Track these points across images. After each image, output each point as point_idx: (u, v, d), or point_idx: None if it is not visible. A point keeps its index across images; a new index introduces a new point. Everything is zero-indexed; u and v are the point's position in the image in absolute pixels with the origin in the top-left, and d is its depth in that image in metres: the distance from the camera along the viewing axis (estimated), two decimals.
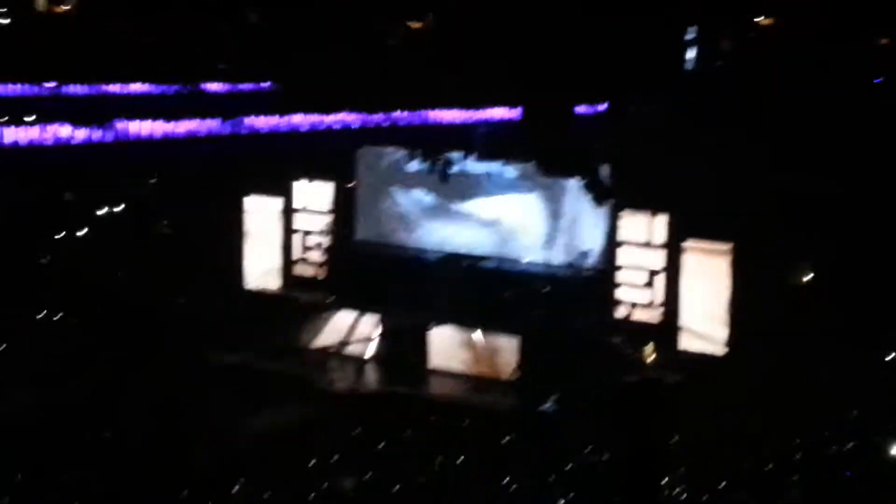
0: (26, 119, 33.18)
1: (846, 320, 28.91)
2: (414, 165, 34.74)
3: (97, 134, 33.10)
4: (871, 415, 26.33)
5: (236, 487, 22.39)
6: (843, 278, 29.80)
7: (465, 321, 32.18)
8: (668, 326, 32.56)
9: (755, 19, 39.93)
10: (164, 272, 34.48)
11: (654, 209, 33.13)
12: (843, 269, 29.95)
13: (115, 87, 39.76)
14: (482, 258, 34.98)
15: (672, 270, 32.76)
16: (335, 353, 32.47)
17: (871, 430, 25.38)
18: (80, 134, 32.77)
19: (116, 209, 36.33)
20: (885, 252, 29.46)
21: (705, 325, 31.96)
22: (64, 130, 32.46)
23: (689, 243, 32.55)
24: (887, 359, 29.17)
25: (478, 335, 31.95)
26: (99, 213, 36.40)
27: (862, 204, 30.57)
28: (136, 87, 40.44)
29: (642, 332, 32.40)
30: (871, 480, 23.19)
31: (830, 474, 23.40)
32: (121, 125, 33.65)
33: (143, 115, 34.57)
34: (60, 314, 32.83)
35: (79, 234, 35.76)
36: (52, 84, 38.24)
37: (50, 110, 34.92)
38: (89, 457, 23.61)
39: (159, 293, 33.84)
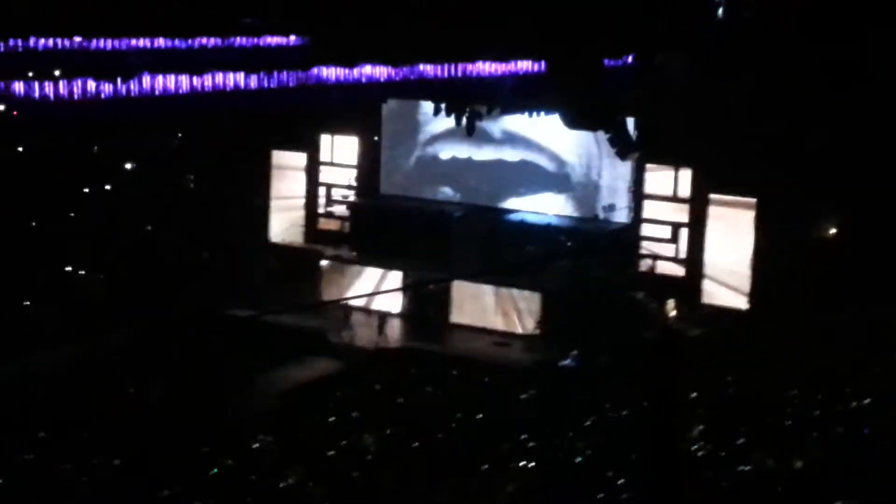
0: (54, 73, 33.43)
1: (868, 276, 28.75)
2: (440, 119, 34.62)
3: (123, 88, 33.32)
4: (892, 370, 26.24)
5: (257, 444, 22.62)
6: (865, 233, 29.61)
7: (489, 276, 32.18)
8: (692, 280, 32.50)
9: None
10: (190, 227, 34.71)
11: (679, 163, 32.94)
12: (865, 225, 29.77)
13: (141, 42, 39.89)
14: (507, 211, 34.95)
15: (696, 224, 32.65)
16: (358, 309, 32.58)
17: (892, 386, 25.31)
18: (107, 88, 32.99)
19: (142, 163, 36.53)
20: None
21: (729, 280, 31.88)
22: (90, 85, 32.69)
23: (713, 197, 32.39)
24: None
25: (500, 290, 31.97)
26: (125, 167, 36.63)
27: (886, 160, 30.31)
28: (162, 42, 40.57)
29: (666, 286, 32.36)
30: (890, 437, 23.15)
31: (849, 431, 23.38)
32: (147, 79, 33.84)
33: (169, 70, 34.71)
34: (87, 269, 33.10)
35: (105, 188, 36.00)
36: (78, 38, 38.42)
37: (77, 64, 35.14)
38: (115, 411, 23.95)
39: (184, 248, 34.08)
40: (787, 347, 27.56)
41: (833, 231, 31.25)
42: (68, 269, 32.92)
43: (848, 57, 31.87)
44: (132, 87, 33.25)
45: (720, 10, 36.97)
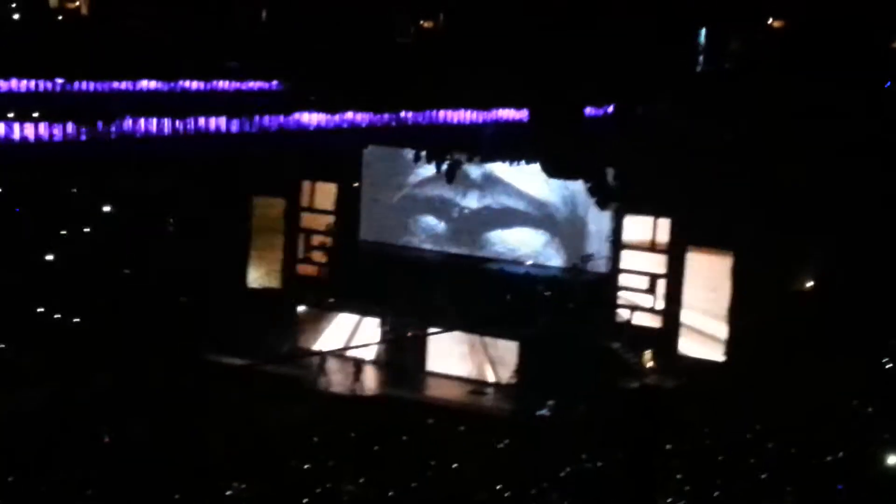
0: (34, 115, 33.40)
1: (844, 328, 28.87)
2: (421, 165, 34.75)
3: (104, 131, 33.30)
4: (868, 423, 26.33)
5: (230, 491, 22.51)
6: (841, 286, 29.76)
7: (466, 325, 32.19)
8: (669, 331, 32.57)
9: (766, 21, 39.89)
10: (168, 271, 34.61)
11: (658, 213, 33.10)
12: (842, 278, 29.93)
13: (123, 85, 39.94)
14: (485, 260, 35.01)
15: (674, 275, 32.75)
16: (335, 355, 32.52)
17: (867, 439, 25.40)
18: (89, 131, 32.97)
19: (121, 206, 36.46)
20: (885, 261, 29.40)
21: (705, 331, 31.96)
22: (71, 127, 32.65)
23: (691, 249, 32.52)
24: (885, 367, 29.10)
25: (477, 339, 31.98)
26: (104, 209, 36.56)
27: (864, 211, 30.51)
28: (145, 85, 40.61)
29: (643, 336, 32.43)
30: (865, 491, 23.20)
31: (824, 485, 23.42)
32: (128, 122, 33.83)
33: (150, 113, 34.73)
34: (63, 313, 32.97)
35: (84, 230, 35.91)
36: (60, 80, 38.45)
37: (58, 107, 35.14)
38: (92, 456, 23.81)
39: (163, 292, 33.96)
40: (763, 399, 27.62)
41: (809, 284, 31.41)
42: (45, 311, 32.79)
43: (828, 103, 32.23)
44: (113, 129, 33.25)
45: (701, 60, 37.39)
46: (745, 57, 38.58)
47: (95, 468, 23.01)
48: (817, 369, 28.20)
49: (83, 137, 32.81)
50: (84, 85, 39.01)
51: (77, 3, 46.14)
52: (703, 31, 38.06)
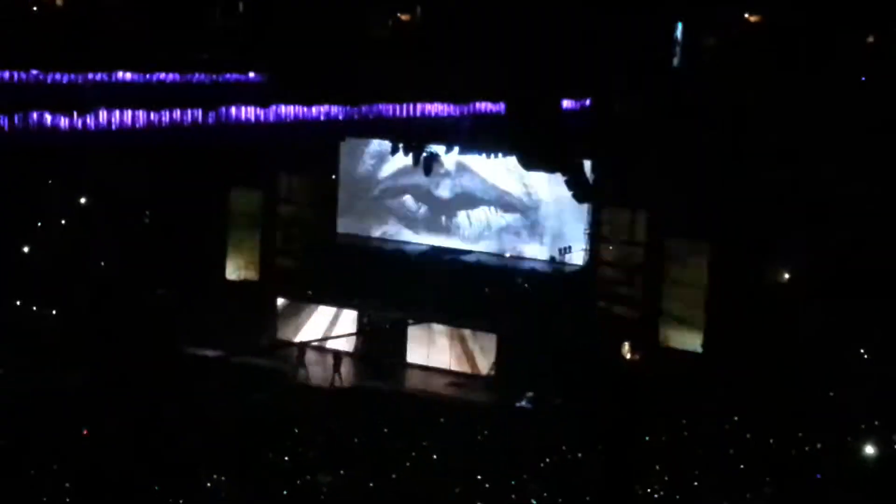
0: (7, 106, 33.14)
1: (821, 319, 29.06)
2: (398, 157, 34.71)
3: (80, 122, 33.07)
4: (845, 413, 26.51)
5: (209, 483, 22.44)
6: (819, 277, 29.95)
7: (445, 317, 32.23)
8: (647, 323, 32.68)
9: (743, 16, 40.05)
10: (146, 263, 34.46)
11: (636, 206, 33.20)
12: (819, 269, 30.11)
13: (98, 76, 39.69)
14: (464, 253, 35.03)
15: (652, 267, 32.86)
16: (314, 348, 32.48)
17: (844, 429, 25.58)
18: (63, 122, 32.74)
19: (98, 198, 36.30)
20: (863, 251, 29.60)
21: (683, 323, 32.10)
22: (47, 118, 32.42)
23: (669, 240, 32.64)
24: (862, 357, 29.32)
25: (456, 331, 32.00)
26: (81, 201, 36.40)
27: (841, 203, 30.70)
28: (120, 76, 40.37)
29: (621, 328, 32.53)
30: (843, 481, 23.37)
31: (802, 475, 23.58)
32: (103, 114, 33.61)
33: (126, 104, 34.52)
34: (40, 305, 32.77)
35: (61, 222, 35.74)
36: (35, 71, 38.17)
37: (33, 98, 34.89)
38: (70, 449, 23.69)
39: (140, 284, 33.83)
40: (741, 390, 27.77)
41: (787, 275, 31.58)
42: (21, 304, 32.58)
43: (808, 99, 32.42)
44: (88, 121, 33.03)
45: (677, 55, 37.51)
46: (721, 52, 38.75)
47: (73, 461, 22.91)
48: (795, 360, 28.40)
49: (58, 128, 32.63)
50: (59, 76, 38.77)
51: None
52: (680, 26, 38.17)
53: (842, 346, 28.91)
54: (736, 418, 26.39)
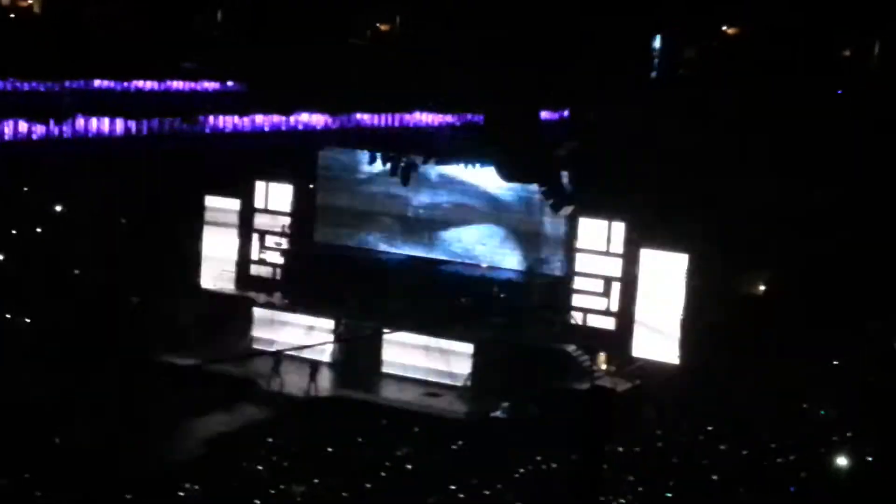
0: None
1: (797, 330, 29.19)
2: (376, 167, 34.64)
3: (56, 130, 32.98)
4: (818, 426, 26.64)
5: (182, 492, 22.36)
6: (794, 290, 30.09)
7: (421, 326, 32.15)
8: (623, 333, 32.68)
9: (721, 28, 40.31)
10: (120, 271, 34.32)
11: (612, 216, 33.23)
12: (795, 280, 30.26)
13: (76, 84, 39.59)
14: (440, 262, 35.00)
15: (628, 278, 32.87)
16: (289, 356, 32.37)
17: (817, 441, 25.69)
18: (39, 129, 32.65)
19: (73, 206, 36.17)
20: (836, 265, 29.76)
21: (659, 333, 32.11)
22: (22, 126, 32.30)
23: (645, 251, 32.67)
24: (835, 369, 29.44)
25: (432, 341, 31.95)
26: (56, 209, 36.26)
27: (818, 214, 30.87)
28: (98, 84, 40.28)
29: (597, 339, 32.54)
30: (816, 492, 23.48)
31: (775, 486, 23.67)
32: (80, 121, 33.53)
33: (103, 112, 34.45)
34: (14, 312, 32.59)
35: (36, 230, 35.58)
36: (11, 79, 38.06)
37: (9, 105, 34.79)
38: (42, 457, 23.56)
39: (114, 292, 33.67)
40: (715, 401, 27.86)
41: (762, 287, 31.71)
42: None
43: (786, 111, 32.62)
44: (65, 129, 32.94)
45: (655, 66, 37.69)
46: (699, 63, 38.96)
47: (45, 469, 22.79)
48: (769, 372, 28.49)
49: (35, 136, 32.53)
50: (36, 84, 38.66)
51: (30, 2, 45.68)
52: (658, 38, 38.37)
53: (815, 358, 29.02)
54: (710, 429, 26.48)
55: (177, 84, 42.95)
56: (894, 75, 36.32)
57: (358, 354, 32.95)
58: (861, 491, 23.51)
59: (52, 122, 32.92)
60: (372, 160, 34.26)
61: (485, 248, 34.92)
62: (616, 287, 32.98)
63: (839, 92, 37.32)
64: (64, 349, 29.67)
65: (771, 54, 35.34)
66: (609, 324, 32.96)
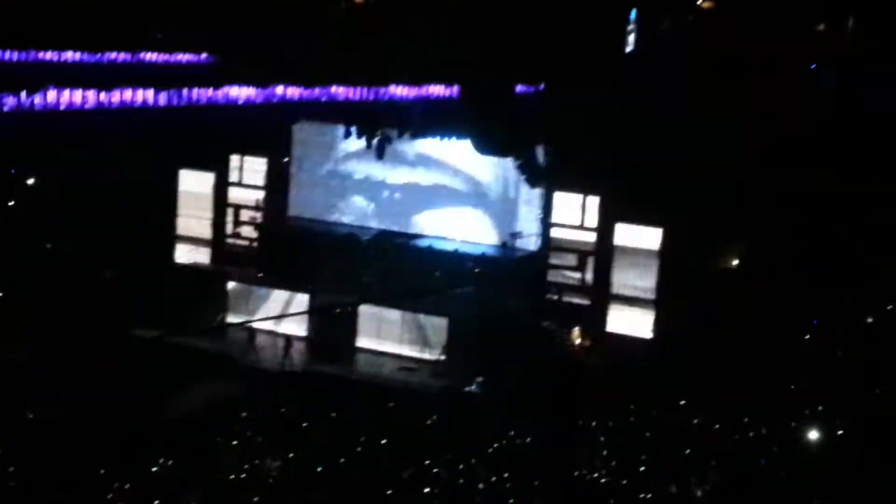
0: None
1: (769, 306, 29.32)
2: (351, 141, 34.56)
3: (28, 102, 32.63)
4: (790, 400, 26.80)
5: (156, 468, 22.32)
6: (768, 264, 30.19)
7: (396, 301, 32.19)
8: (598, 308, 32.82)
9: (696, 2, 40.22)
10: (94, 245, 34.11)
11: (587, 191, 33.30)
12: (768, 256, 30.35)
13: (48, 55, 39.16)
14: (415, 237, 35.00)
15: (603, 252, 33.00)
16: (263, 331, 32.38)
17: (789, 415, 25.86)
18: (10, 101, 32.30)
19: (45, 180, 35.89)
20: (810, 241, 29.86)
21: (634, 308, 32.28)
22: None
23: (620, 225, 32.77)
24: (808, 345, 29.60)
25: (407, 315, 31.99)
26: (28, 183, 35.98)
27: (790, 191, 30.94)
28: (70, 56, 39.84)
29: (572, 314, 32.65)
30: (787, 466, 23.64)
31: (747, 460, 23.81)
32: (52, 93, 33.18)
33: (75, 84, 34.08)
34: None
35: (7, 203, 35.31)
36: None
37: None
38: (14, 432, 23.47)
39: (87, 266, 33.50)
40: (689, 376, 27.98)
41: (737, 262, 31.82)
42: None
43: (761, 86, 32.60)
44: (36, 100, 32.60)
45: (630, 42, 37.62)
46: (674, 38, 38.89)
47: (18, 444, 22.70)
48: (742, 346, 28.63)
49: (5, 108, 32.19)
50: (7, 55, 38.22)
51: None
52: (633, 12, 38.26)
53: (788, 332, 29.18)
54: (682, 403, 26.61)
55: (150, 56, 42.46)
56: (868, 50, 36.36)
57: (332, 328, 32.95)
58: (832, 464, 23.69)
59: (23, 94, 32.56)
60: (347, 134, 34.17)
61: (459, 222, 34.96)
62: (591, 261, 33.14)
63: (812, 67, 37.33)
64: (37, 323, 29.57)
65: (744, 28, 35.30)
66: (584, 298, 33.12)
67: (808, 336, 29.56)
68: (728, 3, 38.90)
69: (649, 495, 22.46)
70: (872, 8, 35.46)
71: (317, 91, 39.38)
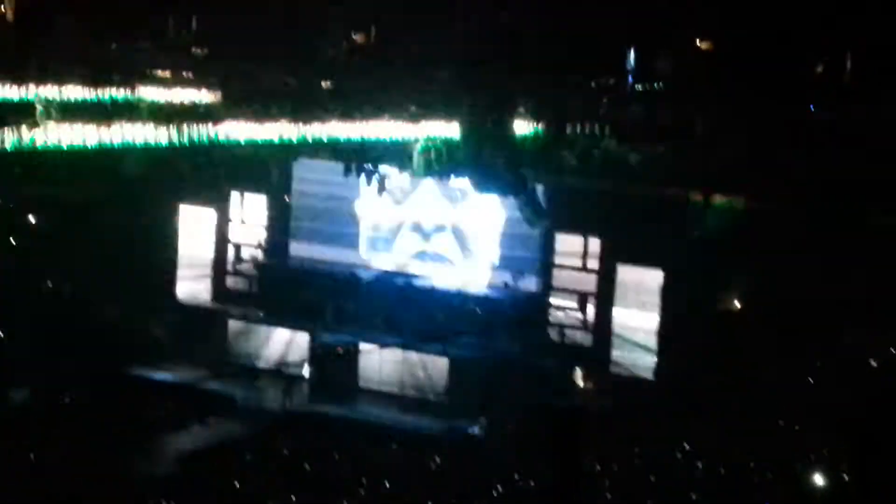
0: None
1: (772, 347, 29.24)
2: (351, 178, 34.57)
3: (28, 138, 32.60)
4: (793, 443, 26.74)
5: None
6: (770, 306, 30.12)
7: (397, 341, 32.11)
8: (600, 350, 32.74)
9: (695, 43, 40.38)
10: (94, 282, 34.02)
11: (588, 232, 33.29)
12: (770, 297, 30.28)
13: (49, 91, 39.18)
14: (416, 277, 34.96)
15: (604, 293, 32.95)
16: (264, 371, 32.26)
17: (793, 458, 25.80)
18: (13, 137, 32.28)
19: (47, 216, 35.80)
20: (812, 282, 29.79)
21: (636, 350, 32.19)
22: None
23: (621, 267, 32.75)
24: (811, 386, 29.51)
25: (409, 356, 31.88)
26: (29, 219, 35.90)
27: (792, 230, 30.90)
28: (71, 91, 39.85)
29: (573, 355, 32.58)
30: None
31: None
32: (54, 129, 33.15)
33: (77, 120, 34.08)
34: None
35: (8, 239, 35.21)
36: None
37: None
38: (11, 473, 23.34)
39: (88, 303, 33.39)
40: (692, 418, 27.89)
41: (738, 304, 31.75)
42: None
43: (760, 126, 32.65)
44: (38, 136, 32.59)
45: (630, 80, 37.73)
46: (673, 78, 38.98)
47: (16, 484, 22.59)
48: (745, 388, 28.55)
49: (6, 145, 32.16)
50: (9, 90, 38.23)
51: (2, 9, 45.26)
52: (632, 52, 38.40)
53: (791, 375, 29.11)
54: (686, 446, 26.54)
55: (151, 92, 42.50)
56: (866, 91, 36.49)
57: (334, 369, 32.83)
58: None
59: (24, 129, 32.55)
60: (347, 171, 34.18)
61: (460, 261, 34.93)
62: (592, 302, 33.09)
63: (811, 107, 37.43)
64: (36, 361, 29.44)
65: (743, 69, 35.38)
66: (585, 340, 33.07)
67: (811, 378, 29.49)
68: (725, 44, 39.03)
69: None
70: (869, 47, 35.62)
71: (318, 128, 39.43)
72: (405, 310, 33.41)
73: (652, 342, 31.95)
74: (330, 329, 33.31)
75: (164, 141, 35.78)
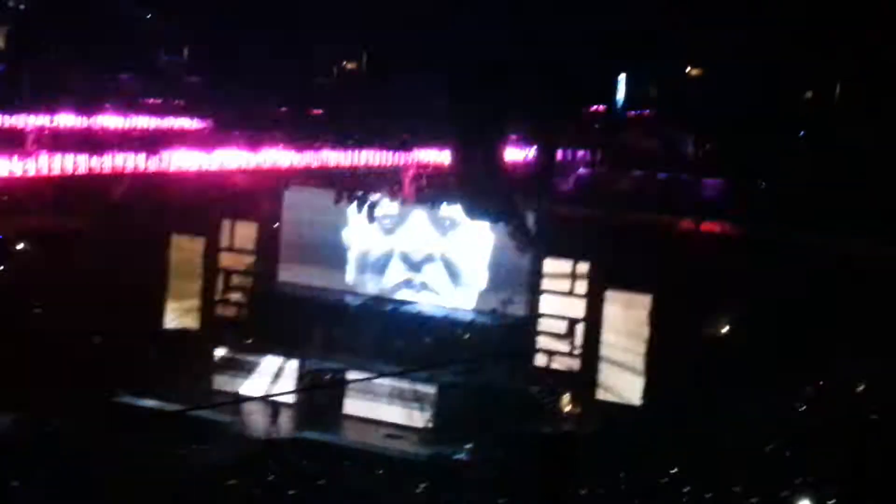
0: None
1: (760, 372, 29.20)
2: (341, 206, 34.63)
3: (19, 166, 32.62)
4: (782, 468, 26.66)
5: None
6: (758, 330, 30.10)
7: (384, 367, 32.05)
8: (587, 375, 32.71)
9: (685, 70, 40.54)
10: (82, 310, 33.96)
11: (577, 257, 33.32)
12: (758, 322, 30.27)
13: (41, 119, 39.26)
14: (404, 302, 34.96)
15: (593, 319, 32.95)
16: (252, 397, 32.16)
17: (781, 483, 25.72)
18: (1, 166, 32.30)
19: (35, 244, 35.80)
20: (801, 306, 29.79)
21: (623, 375, 32.18)
22: None
23: (609, 293, 32.76)
24: (799, 411, 29.46)
25: (395, 382, 31.80)
26: (18, 248, 35.89)
27: (777, 255, 30.94)
28: (61, 120, 39.93)
29: (561, 381, 32.56)
30: None
31: None
32: (44, 158, 33.19)
33: (67, 149, 34.13)
34: None
35: None
36: None
37: None
38: None
39: (76, 331, 33.31)
40: (679, 443, 27.83)
41: (726, 329, 31.74)
42: None
43: (750, 152, 32.79)
44: (28, 165, 32.62)
45: (620, 105, 37.89)
46: (664, 104, 39.14)
47: None
48: (733, 413, 28.49)
49: None
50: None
51: None
52: (623, 78, 38.58)
53: (779, 401, 29.06)
54: (674, 471, 26.46)
55: (141, 121, 42.56)
56: (856, 117, 36.61)
57: (320, 396, 32.76)
58: None
59: (14, 158, 32.57)
60: (338, 199, 34.25)
61: (449, 288, 34.92)
62: (580, 328, 33.09)
63: (801, 133, 37.58)
64: (23, 390, 29.31)
65: (731, 97, 35.54)
66: (573, 365, 33.05)
67: (799, 405, 29.45)
68: (715, 71, 39.17)
69: None
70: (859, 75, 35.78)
71: (308, 156, 39.49)
72: (393, 336, 33.41)
73: (639, 366, 31.96)
74: (318, 356, 33.27)
75: (154, 168, 35.84)
